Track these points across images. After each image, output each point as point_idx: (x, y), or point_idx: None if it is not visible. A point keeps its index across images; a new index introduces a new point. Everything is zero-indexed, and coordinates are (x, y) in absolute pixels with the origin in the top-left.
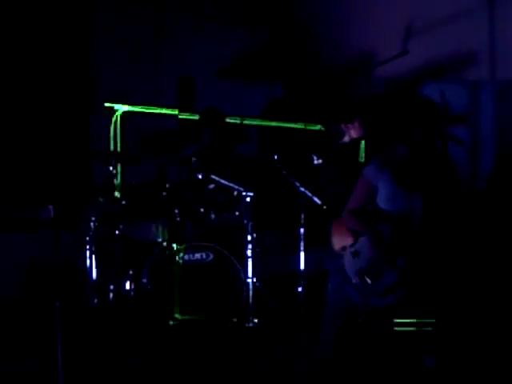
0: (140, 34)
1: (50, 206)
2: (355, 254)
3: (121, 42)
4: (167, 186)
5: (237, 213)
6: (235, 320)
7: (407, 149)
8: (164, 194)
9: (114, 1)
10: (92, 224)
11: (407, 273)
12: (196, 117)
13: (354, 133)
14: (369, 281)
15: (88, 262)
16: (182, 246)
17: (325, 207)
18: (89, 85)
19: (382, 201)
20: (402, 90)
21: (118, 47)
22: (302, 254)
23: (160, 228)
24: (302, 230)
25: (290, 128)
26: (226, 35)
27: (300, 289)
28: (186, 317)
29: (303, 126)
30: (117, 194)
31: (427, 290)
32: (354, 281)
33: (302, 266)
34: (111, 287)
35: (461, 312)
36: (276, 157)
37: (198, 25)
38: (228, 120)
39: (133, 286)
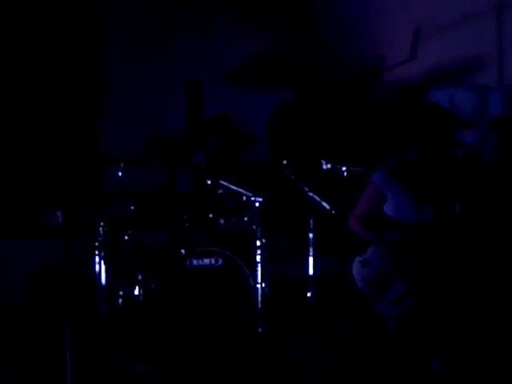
0: (150, 37)
1: (59, 212)
2: (364, 264)
3: (131, 45)
4: (176, 191)
5: (246, 218)
6: (244, 325)
7: (418, 155)
8: (173, 199)
9: (125, 3)
10: (101, 229)
11: (417, 282)
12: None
13: None
14: (370, 281)
15: (97, 267)
16: (191, 252)
17: (333, 212)
18: (98, 88)
19: (390, 208)
20: (410, 96)
21: (127, 50)
22: (311, 259)
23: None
24: (310, 235)
25: (299, 133)
26: (237, 39)
27: (309, 294)
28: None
29: None
30: (126, 199)
31: (438, 296)
32: (362, 290)
33: (311, 271)
34: (120, 292)
35: (470, 316)
36: (285, 162)
37: (209, 28)
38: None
39: (141, 292)
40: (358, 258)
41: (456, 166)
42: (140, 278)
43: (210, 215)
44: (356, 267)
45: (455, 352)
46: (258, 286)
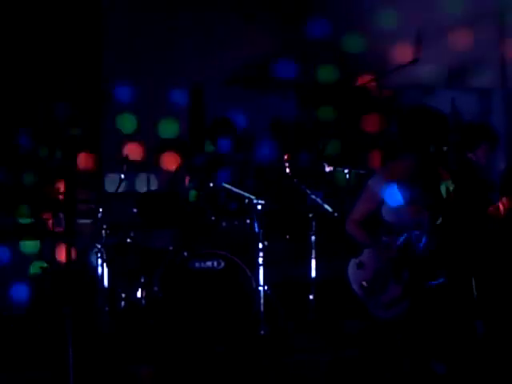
0: (153, 41)
1: (62, 215)
2: (360, 266)
3: (133, 49)
4: (178, 194)
5: (248, 221)
6: (246, 327)
7: (417, 160)
8: (175, 202)
9: (127, 6)
10: (103, 232)
11: (412, 286)
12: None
13: None
14: (365, 283)
15: (100, 270)
16: (193, 254)
17: (336, 214)
18: (100, 90)
19: (387, 213)
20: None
21: (129, 53)
22: (314, 262)
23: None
24: (313, 238)
25: (300, 136)
26: (239, 43)
27: (311, 296)
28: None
29: None
30: (128, 201)
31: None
32: (357, 292)
33: (314, 274)
34: (123, 295)
35: (469, 317)
36: (287, 164)
37: (211, 32)
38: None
39: (144, 294)
40: (353, 260)
41: (453, 171)
42: (143, 280)
43: (213, 218)
44: (351, 269)
45: (457, 355)
46: (260, 288)
